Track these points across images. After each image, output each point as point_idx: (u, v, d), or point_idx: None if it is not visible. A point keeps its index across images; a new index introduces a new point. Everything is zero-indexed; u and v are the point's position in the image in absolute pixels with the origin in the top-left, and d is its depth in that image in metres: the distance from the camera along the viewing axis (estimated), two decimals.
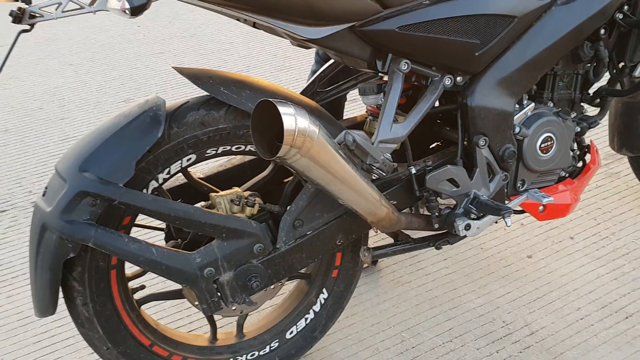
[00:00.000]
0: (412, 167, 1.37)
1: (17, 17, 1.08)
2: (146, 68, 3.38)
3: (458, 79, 1.37)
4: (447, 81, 1.36)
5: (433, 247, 1.47)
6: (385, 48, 1.28)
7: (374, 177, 1.27)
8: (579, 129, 1.58)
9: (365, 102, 1.39)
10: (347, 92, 1.62)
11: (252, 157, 1.46)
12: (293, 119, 1.05)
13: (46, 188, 1.20)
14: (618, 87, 1.63)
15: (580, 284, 1.76)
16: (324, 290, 1.49)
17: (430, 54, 1.31)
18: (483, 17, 1.31)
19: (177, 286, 1.35)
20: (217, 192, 1.34)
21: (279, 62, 3.33)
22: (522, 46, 1.39)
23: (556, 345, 1.58)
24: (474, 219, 1.42)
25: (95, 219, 1.16)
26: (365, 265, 1.78)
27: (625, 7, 1.49)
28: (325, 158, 1.13)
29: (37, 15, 1.07)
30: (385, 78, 1.37)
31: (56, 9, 1.08)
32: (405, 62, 1.30)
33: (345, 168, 1.18)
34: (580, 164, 1.65)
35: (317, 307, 1.49)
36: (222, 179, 1.44)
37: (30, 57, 3.62)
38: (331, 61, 1.59)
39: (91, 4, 1.11)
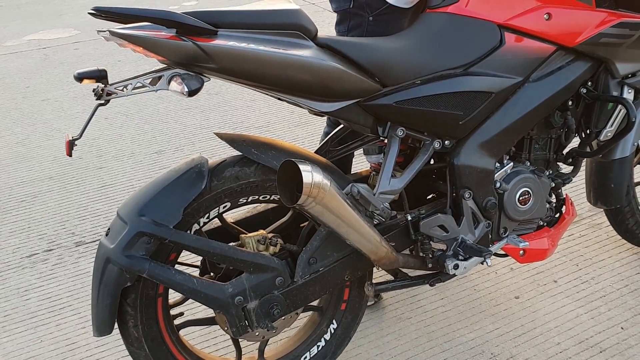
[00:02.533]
0: (408, 214, 1.63)
1: (98, 94, 1.37)
2: (175, 122, 3.71)
3: (446, 142, 1.65)
4: (437, 144, 1.64)
5: (427, 284, 1.72)
6: (384, 118, 1.57)
7: (375, 222, 1.54)
8: (553, 185, 1.85)
9: (369, 161, 1.67)
10: (354, 151, 1.91)
11: (275, 205, 1.73)
12: (310, 175, 1.33)
13: (109, 229, 1.48)
14: (587, 149, 1.91)
15: (561, 322, 1.99)
16: (334, 321, 1.74)
17: (422, 123, 1.60)
18: (465, 93, 1.60)
19: (210, 314, 1.60)
20: (246, 233, 1.61)
21: (295, 118, 3.64)
22: (499, 116, 1.67)
23: None
24: (461, 260, 1.67)
25: (149, 254, 1.43)
26: (370, 303, 2.03)
27: (589, 84, 1.78)
28: (335, 205, 1.40)
29: (112, 93, 1.37)
30: (386, 141, 1.66)
31: (127, 89, 1.38)
32: (401, 129, 1.58)
33: (351, 214, 1.45)
34: (557, 215, 1.90)
35: (327, 336, 1.74)
36: (249, 223, 1.71)
37: (70, 111, 3.98)
38: (341, 125, 1.89)
39: (152, 83, 1.41)
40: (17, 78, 4.71)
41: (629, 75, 1.82)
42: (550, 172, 1.86)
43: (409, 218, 1.64)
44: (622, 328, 1.95)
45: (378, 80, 1.51)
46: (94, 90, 1.38)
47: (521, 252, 1.80)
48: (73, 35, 5.83)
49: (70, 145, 1.37)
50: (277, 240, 1.56)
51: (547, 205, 1.84)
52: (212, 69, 1.36)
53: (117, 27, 1.34)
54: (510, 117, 1.68)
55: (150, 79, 1.39)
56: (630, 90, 1.83)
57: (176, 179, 1.47)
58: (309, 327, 1.77)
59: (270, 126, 3.56)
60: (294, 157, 1.55)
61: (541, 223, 1.86)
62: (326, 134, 2.07)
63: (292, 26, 1.42)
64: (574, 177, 1.90)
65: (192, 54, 1.33)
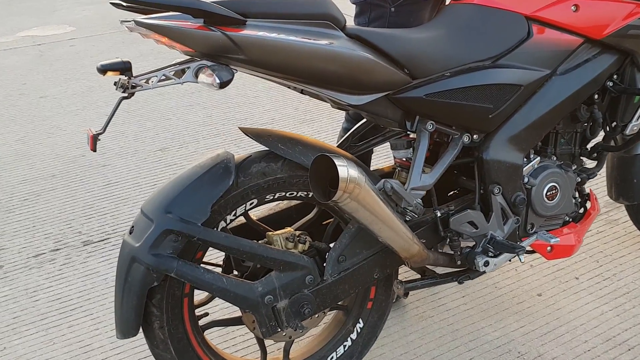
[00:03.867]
0: (437, 211, 1.59)
1: (123, 86, 1.32)
2: (178, 119, 3.65)
3: (474, 136, 1.61)
4: (466, 138, 1.60)
5: (456, 282, 1.68)
6: (413, 111, 1.53)
7: (407, 219, 1.49)
8: (579, 180, 1.81)
9: (396, 156, 1.63)
10: (375, 147, 1.86)
11: (298, 202, 1.69)
12: (346, 170, 1.28)
13: (132, 227, 1.42)
14: (612, 143, 1.88)
15: (586, 320, 1.96)
16: (360, 320, 1.69)
17: (451, 116, 1.56)
18: (495, 86, 1.56)
19: (235, 314, 1.55)
20: (272, 231, 1.56)
21: (300, 115, 3.60)
22: (527, 109, 1.64)
23: None
24: (491, 257, 1.63)
25: (177, 253, 1.38)
26: (394, 300, 1.99)
27: (615, 77, 1.74)
28: (369, 202, 1.36)
29: (137, 85, 1.32)
30: (412, 135, 1.61)
31: (152, 81, 1.33)
32: (431, 123, 1.54)
33: (385, 210, 1.40)
34: (581, 210, 1.87)
35: (354, 336, 1.69)
36: (274, 221, 1.66)
37: (69, 108, 3.91)
38: (363, 120, 1.84)
39: (176, 76, 1.35)
40: (13, 75, 4.62)
41: None
42: (575, 167, 1.83)
43: (439, 214, 1.59)
44: None
45: (408, 72, 1.47)
46: (115, 82, 1.32)
47: (549, 248, 1.77)
48: (68, 31, 5.74)
49: (94, 140, 1.32)
50: (305, 238, 1.51)
51: (573, 201, 1.81)
52: (241, 61, 1.31)
53: (142, 17, 1.29)
54: (538, 110, 1.65)
55: (174, 72, 1.34)
56: None
57: (202, 174, 1.41)
58: (334, 327, 1.72)
59: (275, 122, 3.51)
60: (321, 152, 1.50)
61: (567, 219, 1.83)
62: (345, 129, 2.03)
63: (322, 16, 1.37)
64: (598, 171, 1.87)
65: (220, 44, 1.28)
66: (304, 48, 1.32)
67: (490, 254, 1.63)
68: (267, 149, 1.49)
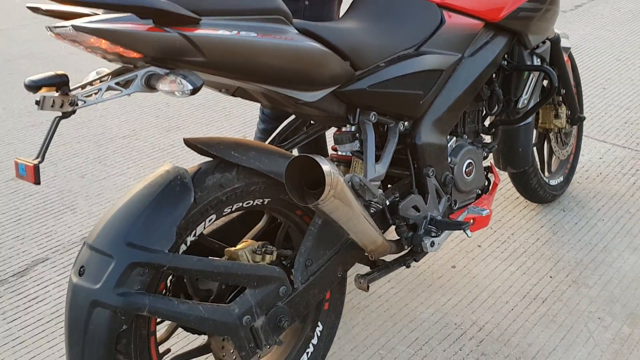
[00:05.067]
0: (386, 199, 1.60)
1: (58, 104, 1.11)
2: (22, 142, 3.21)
3: (405, 124, 1.66)
4: (401, 126, 1.64)
5: (404, 266, 1.72)
6: (356, 104, 1.52)
7: (371, 211, 1.49)
8: (485, 154, 1.96)
9: (342, 151, 1.61)
10: (298, 146, 1.82)
11: (240, 212, 1.58)
12: (329, 167, 1.23)
13: (82, 266, 1.22)
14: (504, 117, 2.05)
15: (500, 282, 2.12)
16: (319, 323, 1.65)
17: (391, 105, 1.58)
18: (423, 72, 1.62)
19: (198, 344, 1.41)
20: (227, 247, 1.44)
21: (163, 123, 3.38)
22: (446, 93, 1.72)
23: (502, 334, 1.90)
24: (434, 237, 1.69)
25: (145, 287, 1.21)
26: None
27: (506, 56, 1.91)
28: (347, 198, 1.32)
29: (77, 102, 1.12)
30: (345, 129, 1.60)
31: (97, 95, 1.14)
32: (374, 114, 1.55)
33: (358, 205, 1.38)
34: (486, 182, 2.02)
35: (315, 341, 1.64)
36: (219, 236, 1.54)
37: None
38: (287, 121, 1.78)
39: (122, 86, 1.18)
40: None
41: (537, 46, 2.00)
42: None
43: (387, 203, 1.61)
44: (550, 277, 2.14)
45: (351, 64, 1.46)
46: (37, 101, 1.12)
47: (472, 221, 1.88)
48: None
49: (36, 171, 1.10)
50: (272, 248, 1.43)
51: (483, 174, 1.94)
52: (197, 64, 1.19)
53: (78, 22, 1.11)
54: (454, 92, 1.74)
55: (115, 82, 1.17)
56: (538, 59, 2.01)
57: (158, 195, 1.26)
58: (292, 336, 1.64)
59: (137, 134, 3.25)
60: (274, 155, 1.43)
61: (478, 192, 1.96)
62: (263, 130, 1.95)
63: (274, 10, 1.30)
64: (495, 145, 2.03)
65: (177, 46, 1.15)
66: (266, 45, 1.24)
67: (433, 234, 1.69)
68: (213, 159, 1.37)
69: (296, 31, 1.33)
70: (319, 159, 1.23)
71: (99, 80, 1.22)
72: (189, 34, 1.15)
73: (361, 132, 1.55)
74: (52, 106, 1.14)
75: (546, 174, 2.50)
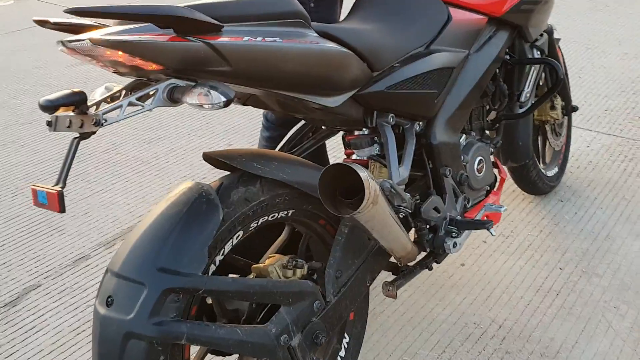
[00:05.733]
0: (413, 203, 1.56)
1: (77, 123, 1.03)
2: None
3: (420, 124, 1.62)
4: (417, 127, 1.59)
5: (427, 269, 1.68)
6: (373, 107, 1.48)
7: (401, 216, 1.44)
8: (492, 150, 1.94)
9: (360, 155, 1.55)
10: (307, 151, 1.76)
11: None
12: (366, 174, 1.18)
13: (109, 296, 1.13)
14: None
15: (512, 277, 2.11)
16: (346, 334, 1.59)
17: (407, 106, 1.54)
18: (436, 71, 1.58)
19: None
20: (253, 263, 1.38)
21: (143, 135, 3.27)
22: (456, 90, 1.69)
23: (522, 330, 1.88)
24: (455, 237, 1.66)
25: (181, 314, 1.13)
26: None
27: (507, 50, 1.90)
28: (382, 206, 1.27)
29: (101, 121, 1.04)
30: (357, 133, 1.55)
31: (119, 113, 1.06)
32: (392, 116, 1.50)
33: (391, 212, 1.33)
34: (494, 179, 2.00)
35: (342, 353, 1.58)
36: (239, 252, 1.46)
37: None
38: (296, 127, 1.72)
39: (141, 100, 1.10)
40: None
41: (536, 39, 1.99)
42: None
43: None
44: (560, 268, 2.14)
45: (368, 66, 1.41)
46: (48, 121, 1.03)
47: (485, 218, 1.86)
48: None
49: (61, 198, 1.01)
50: (302, 262, 1.36)
51: (493, 171, 1.92)
52: (223, 74, 1.12)
53: (95, 34, 1.03)
54: (464, 89, 1.71)
55: (136, 97, 1.09)
56: (537, 52, 2.00)
57: (185, 215, 1.18)
58: (319, 350, 1.58)
59: (119, 146, 3.13)
60: (296, 165, 1.37)
61: (488, 189, 1.94)
62: (268, 138, 1.89)
63: (293, 14, 1.24)
64: (500, 140, 2.01)
65: (201, 56, 1.08)
66: (292, 50, 1.18)
67: (454, 234, 1.65)
68: (231, 172, 1.31)
69: (316, 34, 1.27)
70: (355, 166, 1.17)
71: (113, 97, 1.14)
72: (214, 42, 1.08)
73: (380, 135, 1.50)
74: (68, 127, 1.06)
75: (541, 165, 2.51)
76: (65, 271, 2.23)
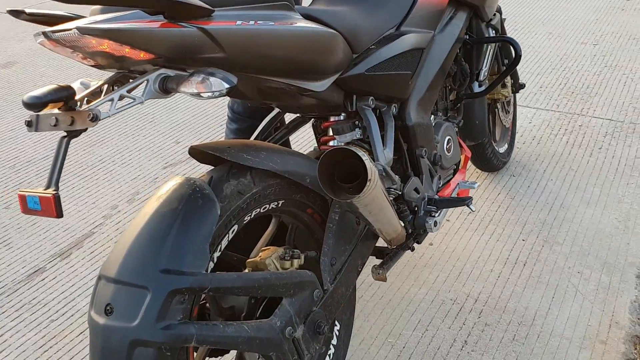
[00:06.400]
0: (402, 185, 1.56)
1: (67, 121, 0.96)
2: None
3: (395, 106, 1.62)
4: (394, 109, 1.60)
5: (408, 249, 1.70)
6: (354, 90, 1.46)
7: (392, 198, 1.43)
8: (456, 129, 1.98)
9: (342, 140, 1.54)
10: (280, 141, 1.73)
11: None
12: (368, 157, 1.16)
13: (108, 305, 1.06)
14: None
15: (480, 252, 2.16)
16: (336, 322, 1.57)
17: (386, 88, 1.54)
18: (409, 52, 1.59)
19: None
20: (247, 257, 1.34)
21: (83, 138, 3.10)
22: (425, 71, 1.71)
23: (497, 302, 1.93)
24: (435, 216, 1.68)
25: (187, 316, 1.08)
26: None
27: (466, 30, 1.94)
28: (379, 189, 1.26)
29: (94, 116, 0.97)
30: (334, 118, 1.54)
31: (110, 107, 0.99)
32: (372, 99, 1.49)
33: (386, 195, 1.32)
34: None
35: (335, 341, 1.57)
36: (229, 247, 1.42)
37: None
38: (270, 116, 1.68)
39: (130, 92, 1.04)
40: None
41: (491, 19, 2.04)
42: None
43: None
44: (523, 240, 2.21)
45: (350, 48, 1.39)
46: (27, 121, 0.95)
47: (453, 195, 1.89)
48: None
49: (57, 201, 0.93)
50: (298, 252, 1.33)
51: (459, 149, 1.96)
52: (216, 61, 1.07)
53: (82, 22, 0.95)
54: (432, 70, 1.73)
55: (126, 89, 1.03)
56: (493, 31, 2.05)
57: (182, 212, 1.13)
58: None
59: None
60: (283, 154, 1.34)
61: (455, 167, 1.97)
62: (236, 130, 1.83)
63: None
64: (462, 119, 2.06)
65: (195, 43, 1.03)
66: (285, 34, 1.15)
67: (433, 214, 1.67)
68: (222, 165, 1.26)
69: (300, 16, 1.24)
70: (356, 150, 1.15)
71: (95, 93, 1.07)
72: (208, 27, 1.03)
73: (361, 119, 1.49)
74: (54, 125, 0.98)
75: (494, 143, 2.58)
76: (20, 286, 2.08)
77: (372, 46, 1.48)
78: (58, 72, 3.80)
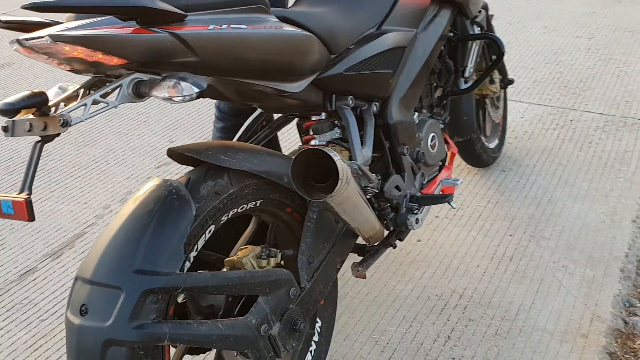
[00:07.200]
0: (379, 183, 1.58)
1: (40, 126, 0.98)
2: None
3: (376, 104, 1.64)
4: (374, 108, 1.61)
5: (391, 247, 1.71)
6: (333, 90, 1.48)
7: (368, 197, 1.45)
8: (442, 126, 1.99)
9: (322, 140, 1.55)
10: (264, 141, 1.75)
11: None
12: (339, 157, 1.18)
13: (83, 305, 1.09)
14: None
15: (466, 248, 2.18)
16: (318, 319, 1.60)
17: (365, 87, 1.55)
18: (389, 51, 1.60)
19: None
20: (225, 257, 1.36)
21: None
22: (408, 69, 1.72)
23: (482, 298, 1.95)
24: (417, 214, 1.70)
25: (162, 315, 1.10)
26: None
27: (450, 27, 1.95)
28: (353, 188, 1.28)
29: (66, 121, 0.99)
30: (315, 118, 1.56)
31: (83, 112, 1.01)
32: (351, 98, 1.51)
33: (361, 193, 1.34)
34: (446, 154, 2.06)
35: (316, 338, 1.59)
36: (208, 247, 1.44)
37: None
38: (252, 116, 1.70)
39: (103, 97, 1.06)
40: None
41: (475, 16, 2.05)
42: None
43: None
44: (510, 235, 2.23)
45: (328, 49, 1.41)
46: (13, 124, 0.98)
47: (441, 192, 1.91)
48: None
49: (29, 206, 0.96)
50: (275, 251, 1.35)
51: (444, 146, 1.97)
52: (188, 65, 1.09)
53: (54, 29, 0.98)
54: (415, 68, 1.74)
55: (100, 94, 1.05)
56: (478, 28, 2.06)
57: (157, 213, 1.15)
58: None
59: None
60: (262, 154, 1.36)
61: (440, 164, 1.99)
62: (222, 129, 1.85)
63: (253, 0, 1.22)
64: (448, 116, 2.07)
65: (167, 48, 1.05)
66: (258, 37, 1.16)
67: (415, 211, 1.69)
68: (200, 166, 1.28)
69: (276, 19, 1.26)
70: (328, 150, 1.17)
71: (70, 97, 1.09)
72: (179, 32, 1.05)
73: (340, 118, 1.51)
74: (28, 130, 1.00)
75: (483, 138, 2.59)
76: (12, 286, 2.11)
77: (352, 46, 1.50)
78: (54, 74, 3.83)
